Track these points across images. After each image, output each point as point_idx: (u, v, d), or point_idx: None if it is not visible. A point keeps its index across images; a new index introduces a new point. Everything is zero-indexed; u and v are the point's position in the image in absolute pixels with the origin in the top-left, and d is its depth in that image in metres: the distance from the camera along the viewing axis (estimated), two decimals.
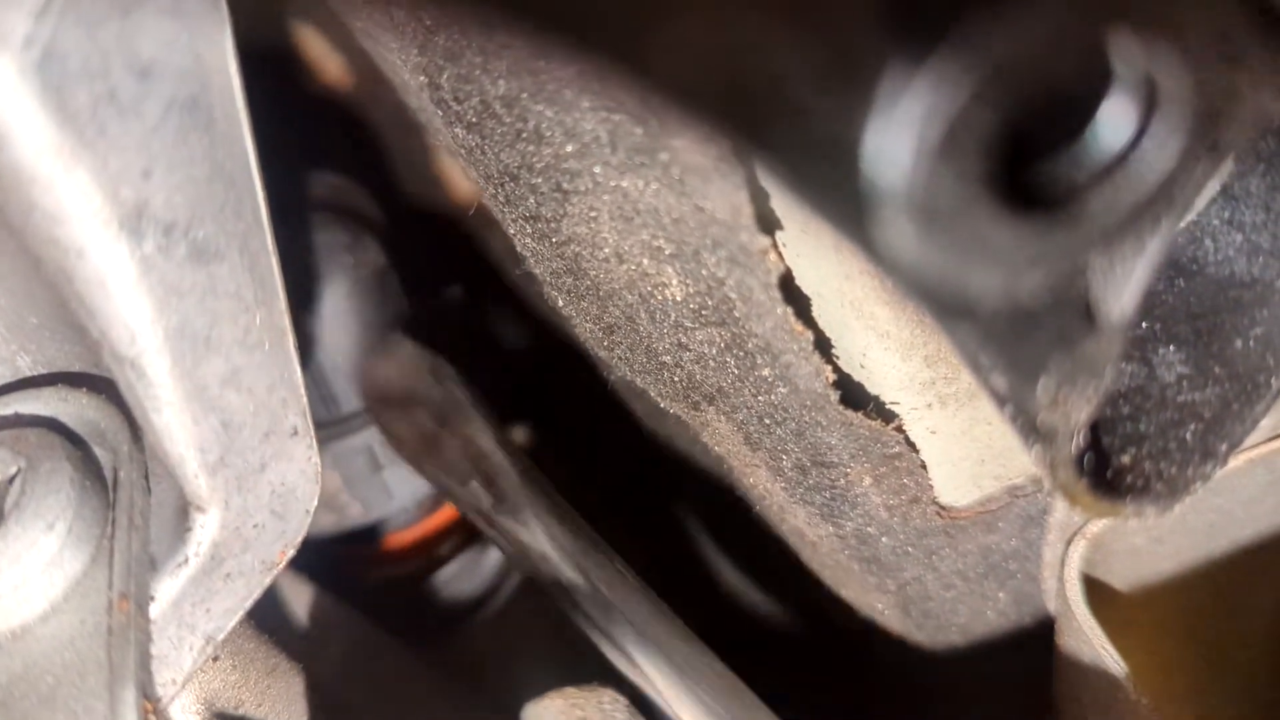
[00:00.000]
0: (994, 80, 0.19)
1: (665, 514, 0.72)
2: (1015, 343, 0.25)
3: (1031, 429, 0.29)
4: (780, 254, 0.38)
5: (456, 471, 0.51)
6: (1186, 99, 0.21)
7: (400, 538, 0.63)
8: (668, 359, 0.45)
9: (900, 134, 0.18)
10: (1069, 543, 0.49)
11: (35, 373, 0.39)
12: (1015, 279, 0.21)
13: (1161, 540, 0.52)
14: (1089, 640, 0.47)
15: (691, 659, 0.46)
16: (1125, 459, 0.35)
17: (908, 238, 0.20)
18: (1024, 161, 0.21)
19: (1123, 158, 0.21)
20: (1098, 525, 0.49)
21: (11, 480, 0.35)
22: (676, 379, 0.46)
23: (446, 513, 0.64)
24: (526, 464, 0.51)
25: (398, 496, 0.59)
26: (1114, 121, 0.21)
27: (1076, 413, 0.28)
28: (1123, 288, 0.26)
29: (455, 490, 0.51)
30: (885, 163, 0.19)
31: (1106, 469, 0.33)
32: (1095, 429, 0.33)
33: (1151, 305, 0.38)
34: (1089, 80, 0.21)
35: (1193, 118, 0.21)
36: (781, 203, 0.37)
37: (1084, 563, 0.48)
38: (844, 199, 0.20)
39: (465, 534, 0.65)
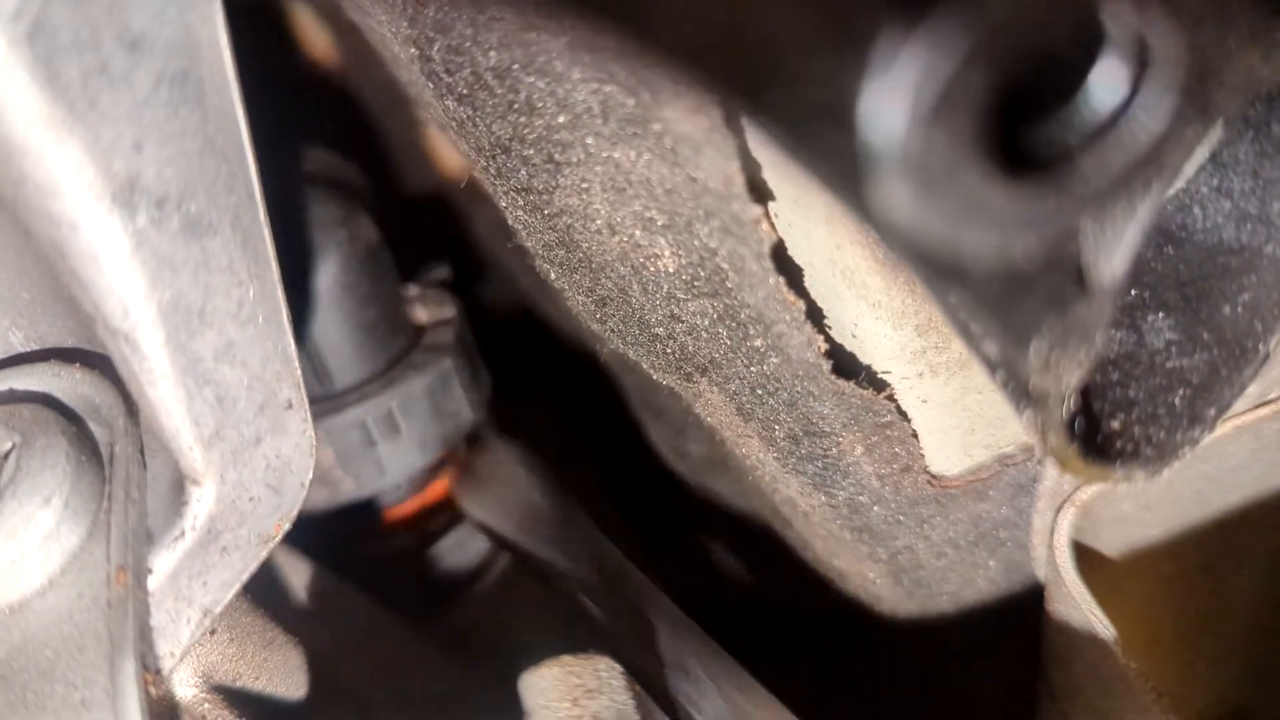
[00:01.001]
0: (988, 43, 0.19)
1: (656, 485, 0.72)
2: (1007, 306, 0.25)
3: (1023, 393, 0.29)
4: (772, 224, 0.39)
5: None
6: (1178, 60, 0.21)
7: (394, 513, 0.63)
8: (660, 331, 0.45)
9: (895, 97, 0.18)
10: (1059, 510, 0.49)
11: (28, 349, 0.39)
12: (1008, 241, 0.22)
13: (1150, 507, 0.53)
14: (1078, 606, 0.47)
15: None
16: (1115, 424, 0.35)
17: (902, 200, 0.20)
18: (1017, 124, 0.21)
19: (1115, 119, 0.21)
20: (1087, 493, 0.49)
21: (6, 456, 0.35)
22: (669, 351, 0.46)
23: (440, 488, 0.64)
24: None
25: (391, 472, 0.59)
26: (1106, 83, 0.21)
27: (1068, 376, 0.29)
28: (1114, 251, 0.26)
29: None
30: (880, 125, 0.19)
31: (1097, 434, 0.34)
32: (1086, 394, 0.33)
33: (1141, 272, 0.38)
34: (1081, 42, 0.21)
35: (1184, 79, 0.21)
36: (774, 173, 0.37)
37: (1073, 530, 0.49)
38: (839, 162, 0.20)
39: (457, 509, 0.65)
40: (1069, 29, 0.20)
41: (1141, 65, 0.21)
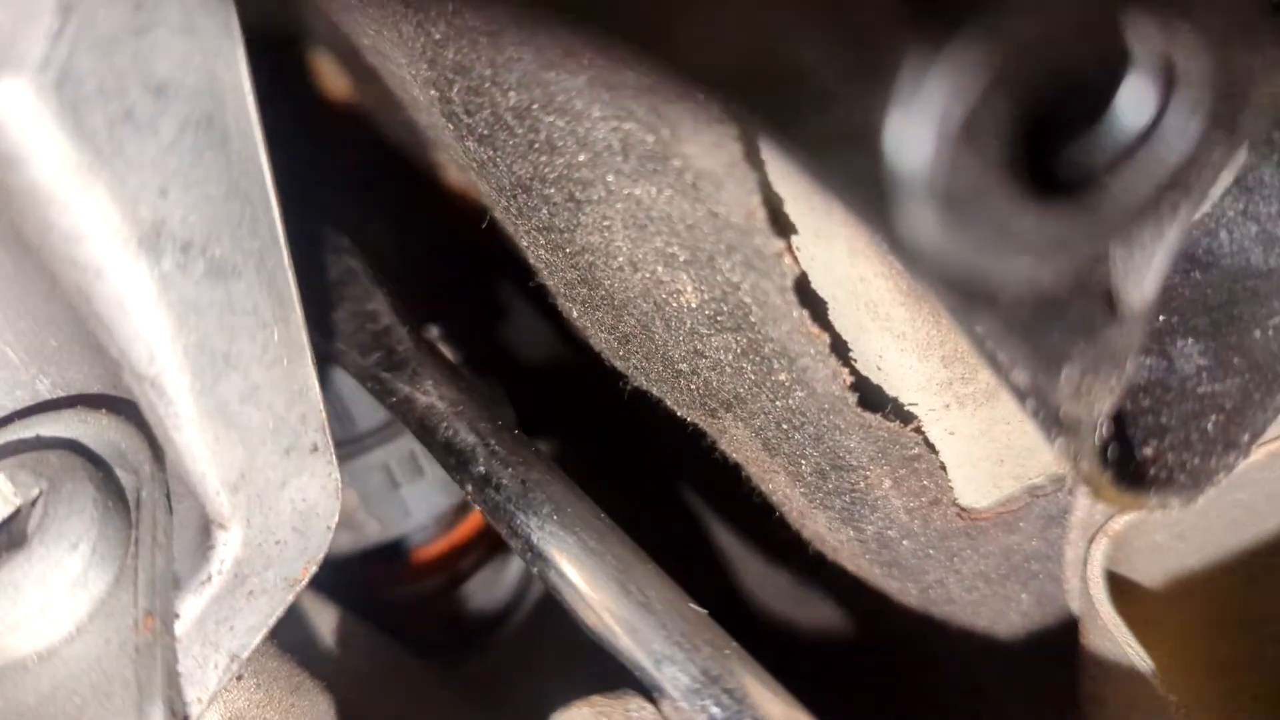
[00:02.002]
0: (1012, 65, 0.19)
1: (688, 520, 0.72)
2: (1037, 332, 0.25)
3: (1054, 421, 0.29)
4: (795, 258, 0.38)
5: (355, 342, 0.50)
6: (1205, 79, 0.21)
7: (421, 554, 0.63)
8: (684, 367, 0.45)
9: (921, 121, 0.18)
10: (1091, 541, 0.49)
11: (55, 395, 0.39)
12: (1037, 266, 0.21)
13: (1184, 537, 0.52)
14: (1114, 638, 0.46)
15: (600, 530, 0.44)
16: (1148, 451, 0.35)
17: (930, 226, 0.20)
18: (1045, 147, 0.21)
19: (1143, 139, 0.21)
20: (1120, 523, 0.49)
21: (34, 503, 0.35)
22: (693, 387, 0.46)
23: (468, 527, 0.64)
24: (421, 334, 0.50)
25: (416, 514, 0.59)
26: (1133, 103, 0.21)
27: (1100, 403, 0.28)
28: (1142, 275, 0.26)
29: (353, 360, 0.50)
30: (906, 151, 0.19)
31: (1130, 461, 0.33)
32: (1118, 421, 0.33)
33: (1169, 298, 0.38)
34: (1107, 63, 0.21)
35: (1212, 98, 0.21)
36: (796, 206, 0.37)
37: (1107, 560, 0.48)
38: (864, 189, 0.20)
39: (487, 548, 0.65)
40: (1095, 50, 0.20)
41: (1168, 85, 0.21)
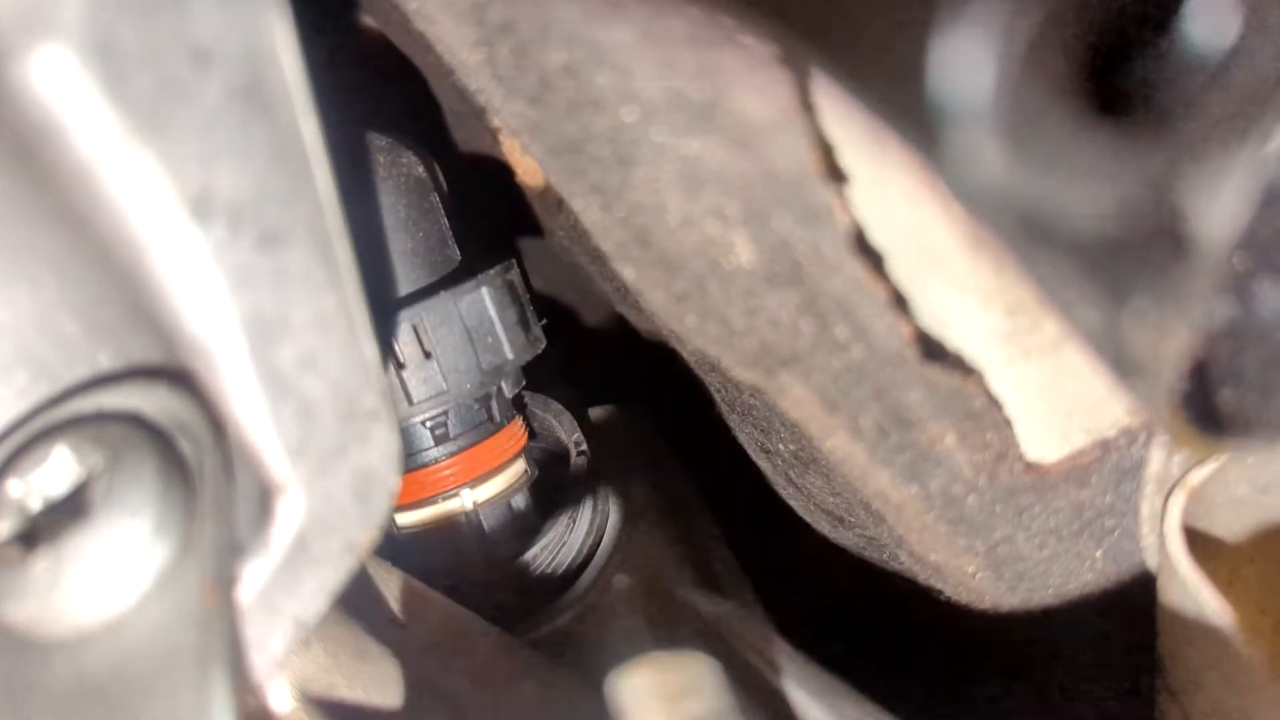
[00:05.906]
0: None
1: (745, 487, 0.71)
2: (1105, 266, 0.24)
3: (1125, 362, 0.28)
4: (851, 209, 0.38)
5: None
6: None
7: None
8: (740, 325, 0.44)
9: (978, 44, 0.17)
10: (1168, 495, 0.47)
11: (114, 368, 0.39)
12: (1103, 194, 0.20)
13: (1266, 490, 0.50)
14: (1193, 595, 0.45)
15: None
16: (1226, 396, 0.33)
17: (990, 158, 0.19)
18: (1110, 62, 0.19)
19: (1215, 56, 0.20)
20: (1198, 476, 0.47)
21: (97, 474, 0.36)
22: (749, 346, 0.45)
23: None
24: None
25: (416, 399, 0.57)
26: (1206, 15, 0.20)
27: (1173, 341, 0.27)
28: (1215, 206, 0.25)
29: None
30: (962, 77, 0.18)
31: (1207, 405, 0.32)
32: (1194, 363, 0.31)
33: (1247, 238, 0.36)
34: None
35: None
36: (851, 155, 0.36)
37: (1185, 515, 0.47)
38: (918, 120, 0.19)
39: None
40: None
41: None
